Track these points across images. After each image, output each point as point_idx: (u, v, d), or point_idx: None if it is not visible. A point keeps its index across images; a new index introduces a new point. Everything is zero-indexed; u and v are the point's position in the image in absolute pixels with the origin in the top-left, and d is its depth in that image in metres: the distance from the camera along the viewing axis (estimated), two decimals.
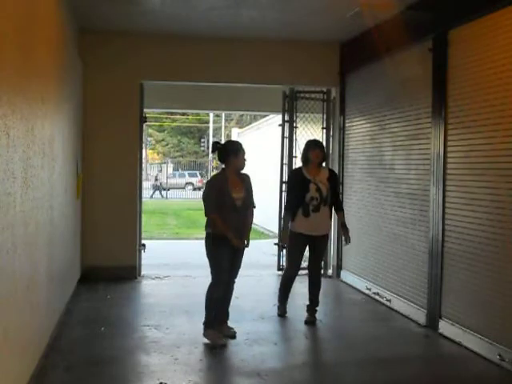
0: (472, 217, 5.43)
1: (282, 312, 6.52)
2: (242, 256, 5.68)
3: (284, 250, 8.98)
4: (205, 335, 5.51)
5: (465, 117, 5.61)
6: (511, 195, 4.93)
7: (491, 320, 5.17)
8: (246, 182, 5.60)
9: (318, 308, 6.40)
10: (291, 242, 6.31)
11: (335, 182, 6.43)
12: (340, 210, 6.42)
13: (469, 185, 5.52)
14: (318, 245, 6.32)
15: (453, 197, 5.79)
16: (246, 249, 5.63)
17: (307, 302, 6.42)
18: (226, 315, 5.75)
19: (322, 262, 8.91)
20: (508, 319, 4.94)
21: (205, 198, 5.53)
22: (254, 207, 5.70)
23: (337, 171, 8.81)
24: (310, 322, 6.26)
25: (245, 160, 5.59)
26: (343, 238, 6.47)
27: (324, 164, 6.63)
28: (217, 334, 5.50)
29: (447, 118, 5.87)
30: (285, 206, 6.45)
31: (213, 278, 5.52)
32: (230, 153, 5.51)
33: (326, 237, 6.40)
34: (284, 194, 9.09)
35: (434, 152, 6.05)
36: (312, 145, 6.36)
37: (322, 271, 8.91)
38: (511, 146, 4.94)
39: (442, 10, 5.96)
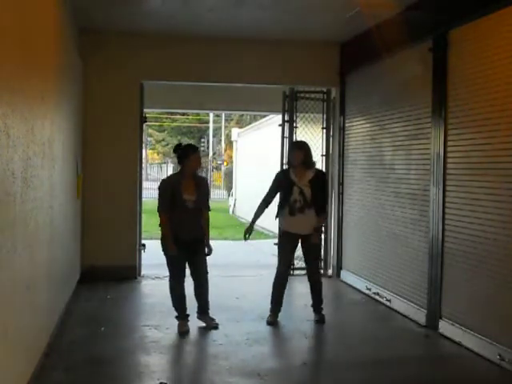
0: (472, 217, 5.43)
1: (272, 320, 6.16)
2: (202, 257, 5.90)
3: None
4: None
5: (465, 117, 5.61)
6: (511, 195, 4.93)
7: (491, 320, 5.17)
8: (200, 184, 5.90)
9: (323, 306, 6.33)
10: (279, 240, 6.39)
11: (320, 184, 6.19)
12: (321, 213, 6.16)
13: (469, 185, 5.52)
14: (309, 243, 6.16)
15: (453, 197, 5.79)
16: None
17: (310, 302, 6.33)
18: (205, 307, 5.99)
19: (322, 262, 9.03)
20: (508, 319, 4.94)
21: (158, 195, 5.86)
22: (209, 210, 5.98)
23: (337, 171, 8.82)
24: (321, 320, 6.20)
25: (198, 164, 5.88)
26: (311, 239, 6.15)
27: (319, 165, 6.72)
28: (182, 323, 5.86)
29: (447, 118, 5.87)
30: (262, 200, 6.35)
31: (169, 272, 5.96)
32: (184, 156, 5.78)
33: (315, 234, 6.21)
34: None
35: (434, 152, 6.05)
36: (292, 146, 6.41)
37: (322, 271, 8.95)
38: (511, 146, 4.94)
39: (442, 10, 5.95)
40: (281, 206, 6.19)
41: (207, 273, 5.97)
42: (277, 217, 6.29)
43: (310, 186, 6.06)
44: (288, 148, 6.50)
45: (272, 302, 6.27)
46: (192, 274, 5.97)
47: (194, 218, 5.81)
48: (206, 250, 5.92)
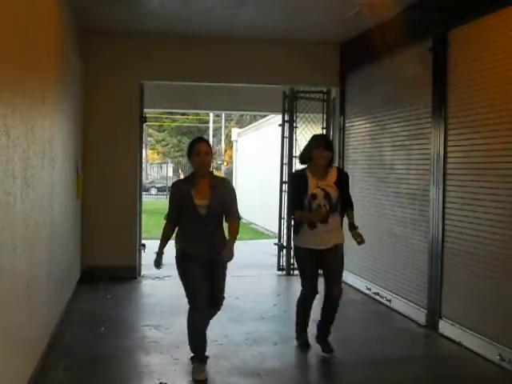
0: (472, 217, 5.43)
1: (303, 341, 5.42)
2: (221, 274, 4.78)
3: (284, 250, 8.99)
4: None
5: (465, 117, 5.61)
6: (511, 195, 4.93)
7: (491, 320, 5.17)
8: (217, 187, 4.66)
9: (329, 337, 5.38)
10: (299, 259, 5.40)
11: (346, 183, 5.35)
12: (350, 209, 5.39)
13: (469, 185, 5.52)
14: (332, 258, 5.19)
15: (453, 197, 5.79)
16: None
17: (317, 322, 5.42)
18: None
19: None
20: (508, 319, 4.94)
21: (168, 200, 4.85)
22: (239, 219, 4.81)
23: None
24: (329, 350, 5.24)
25: (201, 162, 4.62)
26: (356, 239, 5.25)
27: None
28: (198, 368, 4.69)
29: (447, 118, 5.87)
30: (287, 213, 5.73)
31: (188, 303, 4.70)
32: (189, 152, 4.74)
33: (339, 248, 5.24)
34: (284, 195, 9.10)
35: (434, 152, 6.05)
36: (317, 143, 5.24)
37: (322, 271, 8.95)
38: (511, 146, 4.94)
39: (442, 10, 5.95)
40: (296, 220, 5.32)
41: (223, 297, 4.89)
42: (296, 232, 5.34)
43: (335, 187, 5.17)
44: (308, 143, 5.36)
45: (298, 325, 5.50)
46: (210, 296, 4.79)
47: (208, 229, 4.61)
48: (224, 255, 4.64)
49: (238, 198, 4.85)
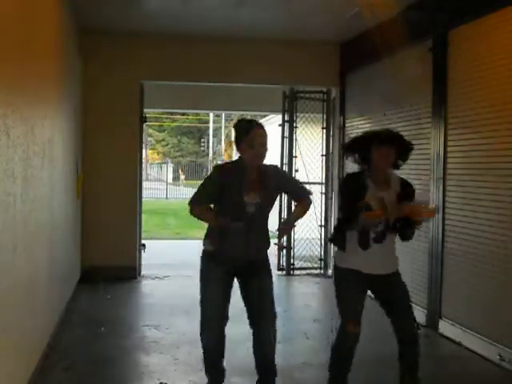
0: (472, 217, 5.43)
1: None
2: (266, 285, 3.93)
3: (284, 250, 8.98)
4: None
5: (465, 117, 5.61)
6: (511, 195, 4.93)
7: (491, 320, 5.17)
8: (267, 181, 3.83)
9: None
10: (341, 284, 4.05)
11: (410, 198, 3.99)
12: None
13: (469, 185, 5.52)
14: (391, 288, 4.07)
15: (453, 197, 5.79)
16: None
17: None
18: (269, 374, 4.08)
19: (322, 262, 8.99)
20: (508, 319, 4.94)
21: (200, 186, 3.95)
22: (309, 195, 4.05)
23: (337, 171, 8.80)
24: None
25: (256, 155, 3.75)
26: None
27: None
28: None
29: (447, 117, 5.87)
30: (335, 228, 4.20)
31: (201, 318, 4.02)
32: (239, 138, 3.80)
33: (397, 275, 4.12)
34: (284, 195, 9.09)
35: (434, 152, 6.05)
36: (378, 138, 3.91)
37: (323, 271, 8.97)
38: (511, 146, 4.94)
39: (442, 10, 5.95)
40: (343, 231, 4.03)
41: (275, 316, 3.95)
42: (341, 248, 4.06)
43: (396, 200, 3.92)
44: (365, 139, 4.04)
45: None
46: (250, 316, 3.99)
47: (255, 230, 3.87)
48: (280, 226, 4.06)
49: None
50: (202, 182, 4.01)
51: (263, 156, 3.79)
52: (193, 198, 3.93)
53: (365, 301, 4.04)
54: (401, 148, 3.95)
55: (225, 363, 4.21)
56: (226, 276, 3.92)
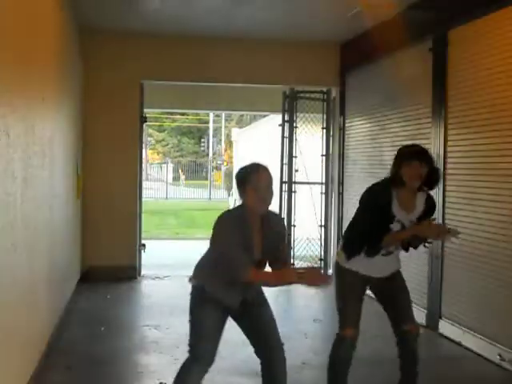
0: (472, 217, 5.43)
1: None
2: (266, 312, 3.65)
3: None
4: None
5: (465, 117, 5.61)
6: (511, 195, 4.93)
7: (491, 320, 5.17)
8: (269, 231, 3.46)
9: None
10: (341, 284, 3.96)
11: (433, 212, 3.90)
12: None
13: (469, 185, 5.52)
14: (391, 289, 4.02)
15: (453, 197, 5.79)
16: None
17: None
18: None
19: (322, 263, 8.99)
20: (508, 319, 4.94)
21: (223, 246, 3.38)
22: (285, 262, 3.63)
23: (337, 171, 8.80)
24: None
25: (263, 200, 3.36)
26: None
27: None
28: None
29: (447, 117, 5.87)
30: (352, 239, 3.97)
31: (189, 352, 3.64)
32: (241, 183, 3.44)
33: (397, 275, 4.06)
34: (284, 195, 9.10)
35: (434, 152, 6.04)
36: (408, 155, 3.72)
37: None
38: (511, 146, 4.94)
39: (442, 9, 5.95)
40: (360, 247, 3.84)
41: (282, 344, 3.63)
42: (350, 256, 3.89)
43: (417, 220, 3.80)
44: (397, 155, 3.82)
45: None
46: (257, 348, 3.68)
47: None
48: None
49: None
50: (221, 240, 3.40)
51: (269, 202, 3.41)
52: (237, 263, 3.33)
53: (362, 304, 3.99)
54: (431, 168, 3.74)
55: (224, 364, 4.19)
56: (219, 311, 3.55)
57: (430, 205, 3.86)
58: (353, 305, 3.90)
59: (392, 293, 4.00)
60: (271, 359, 3.63)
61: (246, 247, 3.36)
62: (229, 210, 3.61)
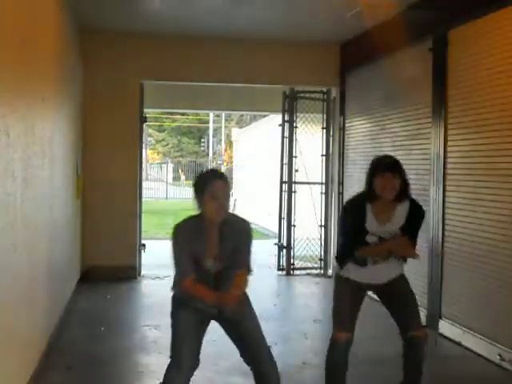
0: (472, 217, 5.43)
1: None
2: (250, 321, 3.66)
3: (284, 250, 8.99)
4: None
5: (465, 117, 5.61)
6: (511, 195, 4.93)
7: (491, 320, 5.17)
8: (227, 236, 3.40)
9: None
10: (336, 293, 3.99)
11: (418, 222, 3.87)
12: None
13: (469, 185, 5.52)
14: (393, 294, 3.97)
15: (453, 197, 5.79)
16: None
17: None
18: None
19: (322, 263, 8.99)
20: (508, 319, 4.94)
21: (172, 254, 3.45)
22: (249, 270, 3.54)
23: (337, 171, 8.80)
24: None
25: (219, 208, 3.33)
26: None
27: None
28: None
29: (447, 118, 5.87)
30: (336, 255, 4.08)
31: (170, 357, 3.52)
32: (198, 190, 3.40)
33: (400, 280, 4.02)
34: (284, 195, 9.11)
35: (434, 152, 6.05)
36: (381, 166, 3.73)
37: (323, 271, 8.97)
38: (511, 147, 4.94)
39: (442, 9, 5.95)
40: (344, 258, 3.90)
41: (268, 347, 3.68)
42: (342, 264, 3.92)
43: (400, 232, 3.79)
44: (369, 169, 3.81)
45: None
46: (244, 357, 3.67)
47: (226, 286, 3.43)
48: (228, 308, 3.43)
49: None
50: (172, 250, 3.45)
51: (227, 209, 3.39)
52: (179, 273, 3.44)
53: (359, 309, 3.99)
54: (405, 176, 3.78)
55: (224, 364, 4.19)
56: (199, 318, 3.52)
57: (415, 214, 3.80)
58: (346, 311, 3.91)
59: (395, 299, 3.96)
60: (260, 373, 3.63)
61: (198, 256, 3.36)
62: (185, 219, 3.49)
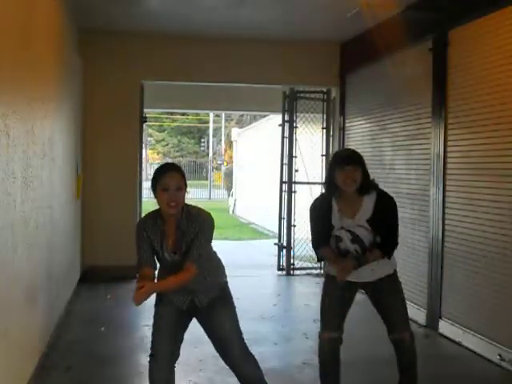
0: (472, 217, 5.43)
1: None
2: (223, 315, 3.61)
3: (284, 250, 8.99)
4: None
5: (465, 117, 5.61)
6: (511, 195, 4.93)
7: (491, 320, 5.17)
8: (185, 228, 3.42)
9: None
10: (324, 291, 3.97)
11: (388, 216, 3.77)
12: (386, 254, 3.79)
13: (469, 185, 5.52)
14: (382, 293, 3.90)
15: (453, 197, 5.79)
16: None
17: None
18: None
19: (322, 263, 8.96)
20: (508, 319, 4.94)
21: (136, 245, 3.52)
22: (192, 261, 3.35)
23: None
24: None
25: (170, 200, 3.36)
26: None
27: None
28: None
29: (447, 118, 5.87)
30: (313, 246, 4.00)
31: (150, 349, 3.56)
32: (152, 185, 3.48)
33: (390, 279, 3.89)
34: (284, 195, 9.11)
35: (434, 152, 6.05)
36: (339, 160, 3.74)
37: (323, 271, 8.95)
38: (511, 146, 4.94)
39: (442, 9, 5.95)
40: (316, 253, 3.99)
41: (244, 343, 3.64)
42: (320, 260, 4.15)
43: (369, 225, 3.72)
44: (329, 164, 3.90)
45: None
46: (219, 351, 3.70)
47: (193, 279, 3.43)
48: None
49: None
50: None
51: (180, 202, 3.38)
52: (137, 266, 3.52)
53: (348, 307, 3.96)
54: (365, 167, 3.73)
55: (224, 364, 4.18)
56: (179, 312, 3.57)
57: (383, 206, 3.74)
58: (331, 310, 3.88)
59: (382, 299, 3.92)
60: (238, 376, 3.67)
61: (157, 249, 3.44)
62: (146, 214, 3.62)
